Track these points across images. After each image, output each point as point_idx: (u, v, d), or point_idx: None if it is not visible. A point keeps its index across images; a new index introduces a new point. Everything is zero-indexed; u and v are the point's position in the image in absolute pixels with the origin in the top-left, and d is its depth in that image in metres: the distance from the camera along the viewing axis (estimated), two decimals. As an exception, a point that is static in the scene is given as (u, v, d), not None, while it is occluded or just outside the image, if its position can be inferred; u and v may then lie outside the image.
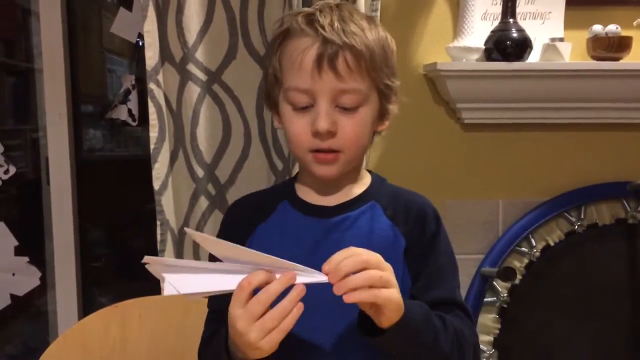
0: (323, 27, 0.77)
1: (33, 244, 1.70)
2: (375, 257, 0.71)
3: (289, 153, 1.35)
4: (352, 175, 0.86)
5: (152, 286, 1.36)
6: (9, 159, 1.65)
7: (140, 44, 1.38)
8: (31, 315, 1.82)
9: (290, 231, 0.84)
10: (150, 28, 1.32)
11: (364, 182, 0.88)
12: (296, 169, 1.31)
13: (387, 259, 0.76)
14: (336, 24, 0.78)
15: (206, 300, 0.87)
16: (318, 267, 0.73)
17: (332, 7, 0.80)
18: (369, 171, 0.90)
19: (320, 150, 0.79)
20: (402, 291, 0.76)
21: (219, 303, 0.81)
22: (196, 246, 1.39)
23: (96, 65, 1.85)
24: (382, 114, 0.84)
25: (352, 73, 0.77)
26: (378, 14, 1.36)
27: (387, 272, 0.71)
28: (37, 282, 1.67)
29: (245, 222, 0.86)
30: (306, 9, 0.82)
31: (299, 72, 0.78)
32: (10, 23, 1.83)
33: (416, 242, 0.83)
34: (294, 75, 0.79)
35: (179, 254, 1.40)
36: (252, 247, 0.81)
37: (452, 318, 0.80)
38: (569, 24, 1.46)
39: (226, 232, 0.87)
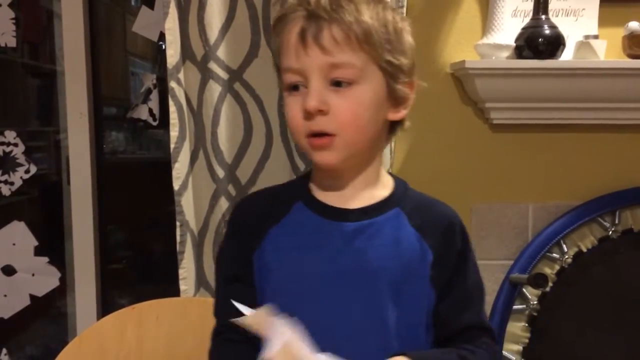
0: (309, 3, 0.74)
1: (53, 245, 1.70)
2: None
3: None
4: (370, 174, 0.80)
5: (172, 288, 1.35)
6: (31, 160, 1.65)
7: (163, 47, 1.37)
8: (52, 316, 1.82)
9: (307, 237, 0.78)
10: (171, 25, 1.30)
11: (387, 185, 0.82)
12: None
13: (414, 273, 0.75)
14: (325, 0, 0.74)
15: None
16: (339, 277, 0.71)
17: None
18: (391, 174, 0.85)
19: (315, 135, 0.74)
20: (427, 307, 0.75)
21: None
22: (216, 249, 1.37)
23: (119, 68, 1.86)
24: (393, 97, 0.78)
25: (341, 46, 0.72)
26: (404, 10, 1.33)
27: None
28: (56, 283, 1.67)
29: (255, 224, 0.80)
30: None
31: (288, 52, 0.74)
32: (35, 25, 1.85)
33: (443, 258, 0.78)
34: (284, 56, 0.75)
35: (199, 256, 1.38)
36: (264, 253, 0.77)
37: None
38: (603, 21, 1.41)
39: (236, 235, 0.82)
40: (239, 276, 0.81)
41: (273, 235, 0.79)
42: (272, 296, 0.77)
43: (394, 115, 0.79)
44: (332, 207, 0.79)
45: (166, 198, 1.36)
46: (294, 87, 0.75)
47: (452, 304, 0.79)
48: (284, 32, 0.75)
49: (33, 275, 1.65)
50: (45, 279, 1.65)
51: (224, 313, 0.81)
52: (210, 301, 0.85)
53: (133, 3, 1.83)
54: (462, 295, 0.80)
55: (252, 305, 0.75)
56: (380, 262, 0.76)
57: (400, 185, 0.83)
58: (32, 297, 1.67)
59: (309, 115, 0.73)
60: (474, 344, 0.79)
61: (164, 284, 1.45)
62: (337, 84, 0.73)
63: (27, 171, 1.63)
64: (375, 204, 0.79)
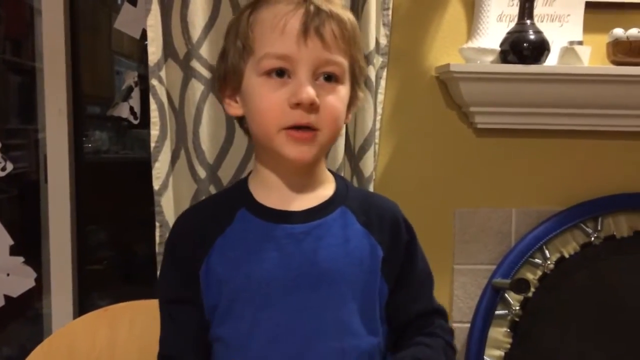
0: None
1: (30, 245, 1.67)
2: None
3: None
4: (318, 173, 0.79)
5: (154, 290, 1.32)
6: (10, 158, 1.62)
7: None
8: (29, 317, 1.78)
9: (255, 243, 0.75)
10: (153, 22, 1.28)
11: (329, 183, 0.81)
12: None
13: (365, 270, 0.74)
14: None
15: None
16: (292, 281, 0.70)
17: None
18: (330, 170, 0.84)
19: (298, 128, 0.72)
20: (381, 301, 0.76)
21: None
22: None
23: (104, 66, 1.83)
24: (350, 103, 0.78)
25: (337, 43, 0.72)
26: (390, 12, 1.32)
27: None
28: (32, 284, 1.63)
29: (198, 239, 0.77)
30: None
31: (281, 37, 0.71)
32: (18, 22, 1.82)
33: (392, 251, 0.79)
34: (273, 41, 0.72)
35: (178, 257, 1.35)
36: (212, 267, 0.74)
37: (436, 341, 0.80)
38: (588, 27, 1.41)
39: (177, 254, 0.78)
40: (183, 298, 0.78)
41: (219, 247, 0.76)
42: (227, 309, 0.75)
43: (347, 120, 0.80)
44: (276, 210, 0.77)
45: (149, 198, 1.34)
46: (278, 73, 0.72)
47: (405, 295, 0.80)
48: (275, 17, 0.72)
49: (8, 275, 1.61)
50: (21, 280, 1.62)
51: (169, 342, 0.79)
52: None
53: (119, 2, 1.81)
54: (413, 285, 0.81)
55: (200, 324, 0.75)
56: (332, 262, 0.75)
57: (340, 182, 0.82)
58: (8, 297, 1.63)
59: (298, 106, 0.70)
60: (428, 329, 0.82)
61: (146, 286, 1.42)
62: (327, 79, 0.72)
63: (3, 168, 1.60)
64: (321, 205, 0.78)
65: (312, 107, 0.71)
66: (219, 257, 0.76)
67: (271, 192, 0.78)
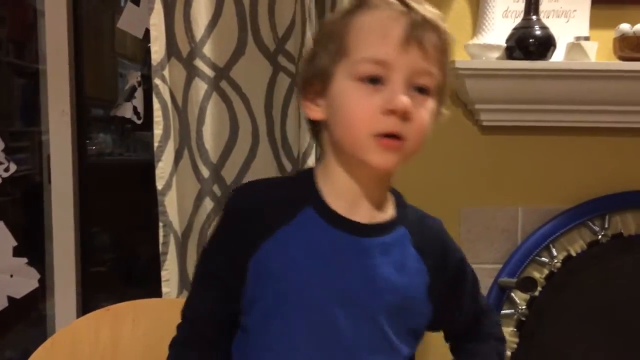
0: (410, 2, 0.71)
1: (34, 246, 1.67)
2: None
3: (298, 154, 1.29)
4: (386, 185, 0.79)
5: (157, 292, 1.32)
6: (14, 160, 1.62)
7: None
8: (33, 319, 1.78)
9: (318, 246, 0.74)
10: (156, 21, 1.28)
11: (390, 196, 0.80)
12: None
13: (413, 293, 0.76)
14: (424, 4, 0.72)
15: None
16: (346, 294, 0.71)
17: None
18: None
19: (388, 135, 0.70)
20: (423, 322, 0.78)
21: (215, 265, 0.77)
22: (200, 250, 1.34)
23: (108, 69, 1.83)
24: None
25: (435, 54, 0.71)
26: (394, 9, 1.32)
27: None
28: (35, 285, 1.62)
29: (259, 218, 0.74)
30: None
31: (382, 43, 0.70)
32: (22, 24, 1.82)
33: (440, 275, 0.79)
34: (373, 45, 0.70)
35: (182, 257, 1.35)
36: (266, 258, 0.73)
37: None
38: (594, 23, 1.40)
39: (234, 226, 0.76)
40: (221, 276, 0.77)
41: (279, 239, 0.74)
42: (272, 307, 0.74)
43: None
44: (344, 218, 0.75)
45: (152, 200, 1.33)
46: (372, 80, 0.70)
47: (456, 310, 0.83)
48: (377, 21, 0.71)
49: (11, 276, 1.61)
50: (24, 281, 1.61)
51: (193, 306, 0.79)
52: (186, 302, 0.81)
53: (122, 4, 1.80)
54: (463, 303, 0.83)
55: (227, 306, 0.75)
56: (385, 282, 0.74)
57: (399, 198, 0.82)
58: (12, 299, 1.63)
59: (391, 114, 0.69)
60: (480, 333, 0.86)
61: (149, 287, 1.41)
62: (419, 90, 0.71)
63: (6, 169, 1.60)
64: (387, 222, 0.77)
65: (404, 116, 0.70)
66: (276, 250, 0.74)
67: (340, 196, 0.76)
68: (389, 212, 0.79)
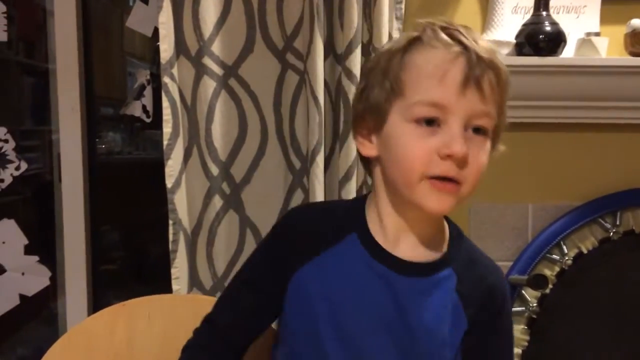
0: (467, 42, 0.68)
1: (45, 244, 1.68)
2: None
3: (307, 151, 1.29)
4: (437, 224, 0.76)
5: (167, 289, 1.32)
6: (24, 159, 1.63)
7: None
8: (44, 317, 1.79)
9: (353, 275, 0.73)
10: (165, 19, 1.28)
11: (444, 234, 0.78)
12: (315, 167, 1.25)
13: (446, 340, 0.73)
14: (479, 41, 0.69)
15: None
16: (379, 329, 0.70)
17: (460, 26, 0.71)
18: (446, 218, 0.80)
19: (444, 179, 0.68)
20: None
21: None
22: (209, 248, 1.34)
23: (117, 68, 1.84)
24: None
25: (493, 94, 0.69)
26: (402, 6, 1.31)
27: None
28: (47, 282, 1.64)
29: (307, 240, 0.75)
30: (435, 21, 0.72)
31: (439, 85, 0.68)
32: (31, 23, 1.82)
33: (477, 323, 0.76)
34: (430, 88, 0.68)
35: (192, 255, 1.35)
36: (309, 276, 0.73)
37: None
38: (605, 18, 1.39)
39: (283, 242, 0.77)
40: (256, 288, 0.77)
41: (321, 262, 0.74)
42: (308, 322, 0.74)
43: None
44: (388, 253, 0.74)
45: (162, 199, 1.34)
46: (428, 121, 0.69)
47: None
48: (434, 63, 0.69)
49: (23, 274, 1.62)
50: (36, 279, 1.62)
51: (220, 310, 0.79)
52: (202, 298, 0.82)
53: (131, 3, 1.81)
54: (495, 354, 0.79)
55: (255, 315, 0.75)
56: (422, 324, 0.73)
57: (455, 234, 0.79)
58: (24, 297, 1.64)
59: (448, 158, 0.68)
60: None
61: (159, 285, 1.42)
62: (476, 131, 0.70)
63: (17, 168, 1.61)
64: (433, 262, 0.75)
65: (462, 161, 0.68)
66: (315, 273, 0.74)
67: (386, 229, 0.75)
68: (440, 249, 0.76)
